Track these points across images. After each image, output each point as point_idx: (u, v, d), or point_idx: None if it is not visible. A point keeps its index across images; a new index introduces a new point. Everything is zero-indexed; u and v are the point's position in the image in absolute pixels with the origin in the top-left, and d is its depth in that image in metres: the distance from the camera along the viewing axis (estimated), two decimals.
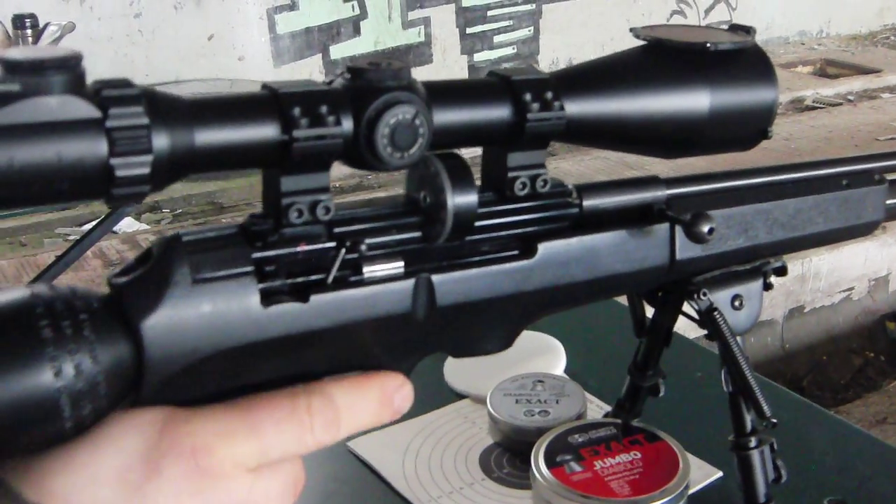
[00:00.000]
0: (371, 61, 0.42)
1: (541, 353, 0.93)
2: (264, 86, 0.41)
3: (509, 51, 5.02)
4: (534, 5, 5.03)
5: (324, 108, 0.40)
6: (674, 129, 0.51)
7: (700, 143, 0.53)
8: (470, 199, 0.46)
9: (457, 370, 0.91)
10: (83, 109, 0.35)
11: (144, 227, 3.51)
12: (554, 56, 5.14)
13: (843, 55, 5.63)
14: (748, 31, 0.55)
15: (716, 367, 0.66)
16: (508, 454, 0.81)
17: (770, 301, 3.00)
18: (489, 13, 4.90)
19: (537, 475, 0.69)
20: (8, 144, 0.33)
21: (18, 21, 2.53)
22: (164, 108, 0.37)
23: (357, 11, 4.48)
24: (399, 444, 0.81)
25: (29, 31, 2.52)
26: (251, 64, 4.21)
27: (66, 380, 0.35)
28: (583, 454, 0.72)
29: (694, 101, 0.51)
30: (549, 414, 0.81)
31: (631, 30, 0.54)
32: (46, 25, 2.54)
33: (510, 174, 0.48)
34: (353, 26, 4.49)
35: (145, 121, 0.36)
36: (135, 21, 3.96)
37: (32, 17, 2.57)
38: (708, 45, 0.51)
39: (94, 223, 3.12)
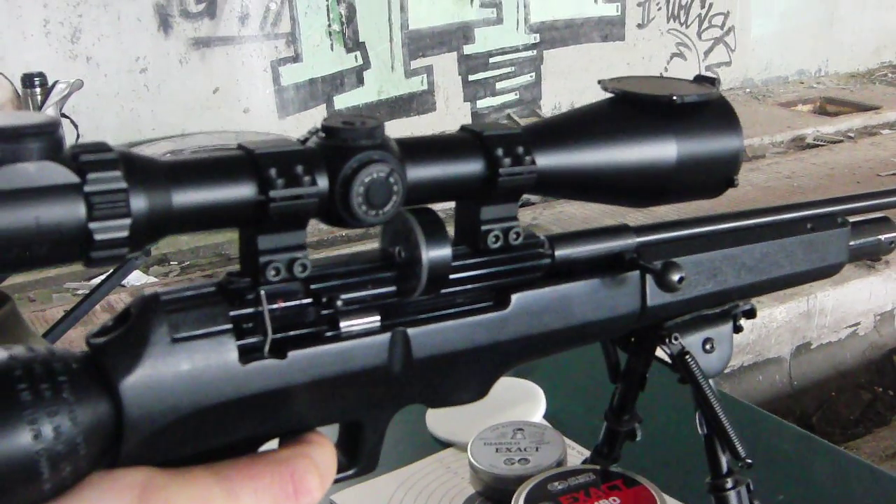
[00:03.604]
0: (345, 119, 0.42)
1: (521, 400, 0.93)
2: (240, 146, 0.41)
3: (512, 97, 5.06)
4: (535, 51, 5.09)
5: (299, 168, 0.41)
6: (642, 180, 0.52)
7: (668, 193, 0.54)
8: (444, 253, 0.46)
9: (439, 418, 0.91)
10: (61, 175, 0.35)
11: (153, 279, 3.54)
12: (556, 101, 5.18)
13: (842, 93, 5.66)
14: (713, 82, 0.56)
15: (690, 409, 0.66)
16: (490, 503, 0.81)
17: (776, 338, 2.99)
18: (491, 60, 4.95)
19: None
20: None
21: (28, 80, 2.56)
22: (141, 170, 0.37)
23: (360, 62, 4.54)
24: (382, 496, 0.81)
25: (38, 90, 2.55)
26: (256, 116, 4.26)
27: (46, 442, 0.36)
28: (562, 501, 0.72)
29: (662, 151, 0.52)
30: (529, 462, 0.81)
31: (599, 82, 0.55)
32: (55, 84, 2.58)
33: (483, 227, 0.49)
34: (357, 76, 4.55)
35: (123, 185, 0.36)
36: (140, 76, 4.02)
37: (41, 75, 2.60)
38: (674, 97, 0.52)
39: (102, 278, 3.15)
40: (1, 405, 0.35)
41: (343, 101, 4.53)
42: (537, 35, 5.08)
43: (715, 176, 0.55)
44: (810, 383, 3.07)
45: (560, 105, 5.17)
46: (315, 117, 4.44)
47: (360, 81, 4.57)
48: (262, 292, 0.42)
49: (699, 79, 0.57)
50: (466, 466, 0.83)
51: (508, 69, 5.04)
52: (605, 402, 0.74)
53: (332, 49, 4.46)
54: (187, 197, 0.39)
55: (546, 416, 0.94)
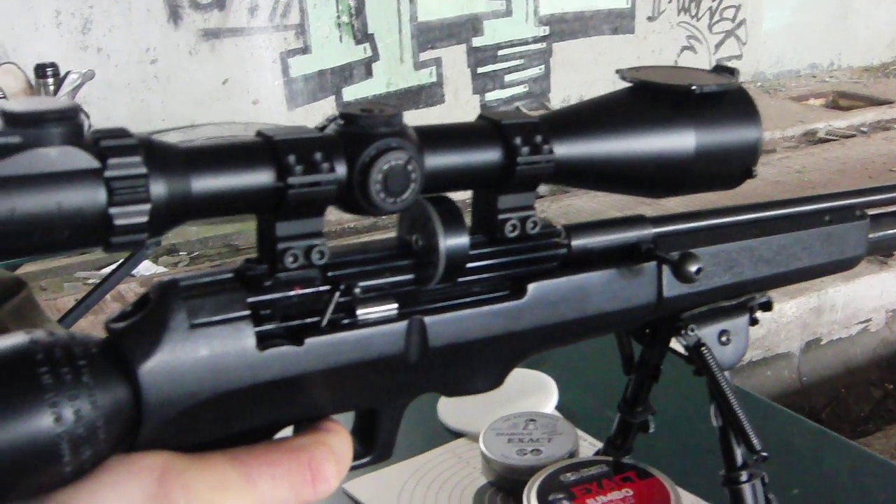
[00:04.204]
0: (363, 107, 0.42)
1: (533, 391, 0.93)
2: (259, 133, 0.41)
3: (521, 89, 5.06)
4: (544, 44, 5.08)
5: (318, 155, 0.41)
6: (660, 170, 0.52)
7: (686, 184, 0.54)
8: (461, 242, 0.46)
9: (451, 408, 0.91)
10: (82, 160, 0.35)
11: (162, 269, 3.55)
12: (565, 94, 5.17)
13: (854, 87, 5.63)
14: (732, 72, 0.56)
15: (704, 401, 0.66)
16: (502, 493, 0.81)
17: (786, 334, 2.98)
18: (500, 52, 4.95)
19: None
20: (9, 195, 0.34)
21: (40, 70, 2.58)
22: (161, 156, 0.38)
23: (369, 53, 4.54)
24: (394, 485, 0.81)
25: (50, 80, 2.57)
26: (265, 107, 4.27)
27: (67, 425, 0.36)
28: (574, 492, 0.72)
29: (680, 142, 0.52)
30: (542, 453, 0.81)
31: (617, 71, 0.55)
32: (67, 74, 2.60)
33: (500, 216, 0.49)
34: (366, 68, 4.55)
35: (143, 170, 0.36)
36: (151, 67, 4.02)
37: (53, 66, 2.62)
38: (693, 87, 0.52)
39: (112, 267, 3.16)
40: (23, 388, 0.36)
41: (352, 92, 4.53)
42: (546, 27, 5.07)
43: (733, 167, 0.55)
44: (820, 379, 3.07)
45: (569, 98, 5.15)
46: (324, 109, 4.44)
47: (369, 73, 4.56)
48: (281, 278, 0.43)
49: (718, 69, 0.57)
50: (478, 456, 0.83)
51: (517, 62, 5.03)
52: (617, 394, 0.74)
53: (340, 41, 4.46)
54: (206, 183, 0.39)
55: (558, 408, 0.94)
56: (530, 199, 0.49)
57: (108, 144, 0.36)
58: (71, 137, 0.35)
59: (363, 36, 4.51)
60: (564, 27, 5.13)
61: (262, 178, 0.40)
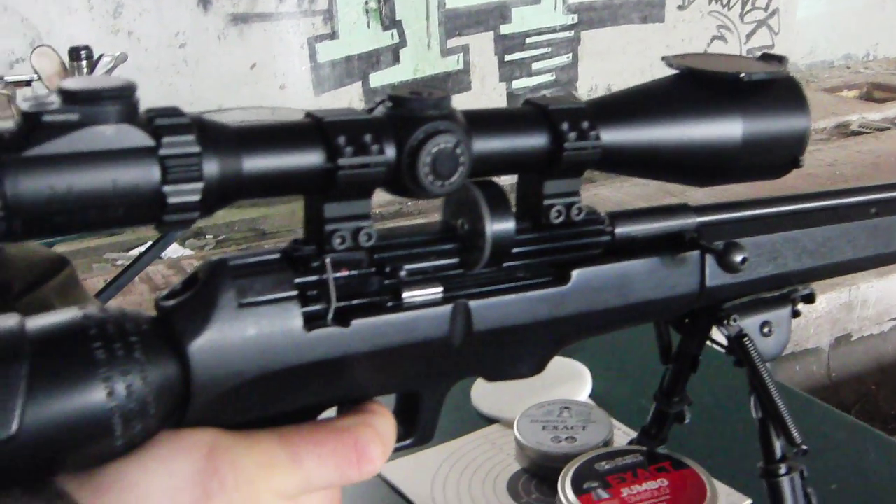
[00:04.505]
0: (412, 90, 0.43)
1: (567, 379, 0.93)
2: (308, 114, 0.42)
3: (548, 78, 5.03)
4: (572, 32, 5.04)
5: (368, 137, 0.41)
6: (707, 158, 0.52)
7: (732, 172, 0.53)
8: (508, 226, 0.46)
9: (484, 394, 0.91)
10: (138, 138, 0.36)
11: (189, 252, 3.57)
12: (593, 83, 5.14)
13: (890, 79, 5.55)
14: (781, 60, 0.55)
15: (740, 392, 0.65)
16: (536, 480, 0.81)
17: (815, 329, 2.95)
18: (528, 40, 4.92)
19: (565, 502, 0.69)
20: (67, 172, 0.34)
21: (74, 53, 2.60)
22: (213, 135, 0.38)
23: (396, 40, 4.53)
24: (428, 469, 0.81)
25: (84, 63, 2.59)
26: (292, 92, 4.27)
27: (119, 400, 0.37)
28: (609, 481, 0.71)
29: (727, 129, 0.51)
30: (576, 440, 0.81)
31: (663, 58, 0.55)
32: (101, 57, 2.62)
33: (546, 202, 0.48)
34: (393, 54, 4.54)
35: (196, 149, 0.37)
36: (180, 51, 4.04)
37: (87, 49, 2.64)
38: (742, 74, 0.51)
39: (140, 249, 3.19)
40: (77, 362, 0.36)
41: (379, 78, 4.52)
42: (575, 15, 5.03)
43: (780, 156, 0.54)
44: (849, 376, 3.04)
45: (596, 87, 5.12)
46: (351, 94, 4.44)
47: (396, 59, 4.56)
48: (328, 260, 0.43)
49: (766, 56, 0.56)
50: (512, 443, 0.83)
51: (545, 50, 5.00)
52: (650, 383, 0.74)
53: (368, 27, 4.46)
54: (257, 163, 0.39)
55: (591, 396, 0.94)
56: (576, 185, 0.49)
57: (163, 123, 0.36)
58: (126, 115, 0.36)
59: (391, 22, 4.50)
60: (593, 15, 5.09)
61: (312, 158, 0.40)
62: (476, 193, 0.46)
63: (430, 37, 4.62)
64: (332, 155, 0.40)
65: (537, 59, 4.98)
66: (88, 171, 0.35)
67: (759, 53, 0.57)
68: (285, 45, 4.27)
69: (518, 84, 4.94)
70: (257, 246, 3.58)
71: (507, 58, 4.88)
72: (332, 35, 4.37)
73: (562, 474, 0.72)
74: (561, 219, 0.49)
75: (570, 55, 5.08)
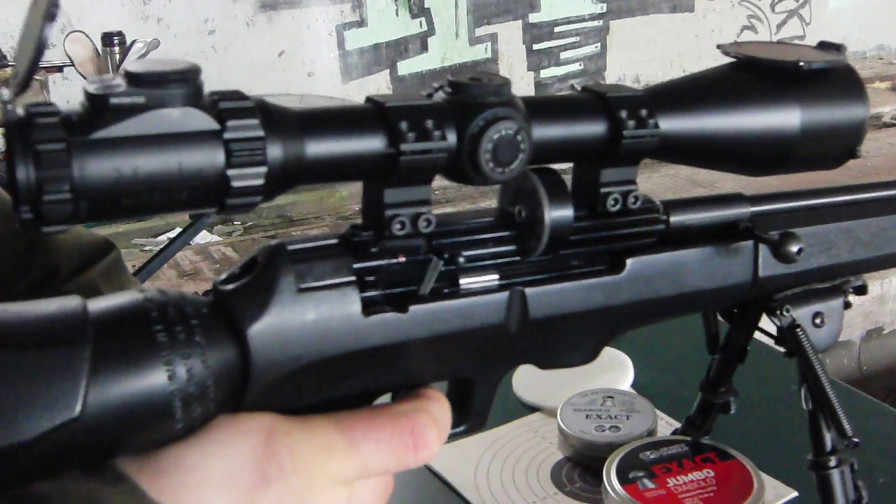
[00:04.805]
0: (472, 76, 0.42)
1: (609, 368, 0.93)
2: (369, 99, 0.41)
3: (576, 67, 5.00)
4: (601, 21, 5.01)
5: (429, 123, 0.41)
6: (764, 147, 0.51)
7: (789, 162, 0.53)
8: (566, 214, 0.46)
9: (526, 382, 0.91)
10: (203, 121, 0.36)
11: (217, 238, 3.59)
12: (621, 72, 5.11)
13: None
14: (839, 48, 0.55)
15: (785, 383, 0.65)
16: (579, 469, 0.81)
17: (846, 321, 2.92)
18: (556, 29, 4.89)
19: (610, 491, 0.69)
20: (133, 155, 0.35)
21: (107, 39, 2.62)
22: (277, 119, 0.38)
23: (425, 28, 4.52)
24: (471, 457, 0.81)
25: (116, 49, 2.61)
26: (320, 79, 4.28)
27: (179, 383, 0.37)
28: (655, 471, 0.71)
29: (785, 119, 0.51)
30: (620, 430, 0.80)
31: (719, 47, 0.54)
32: (133, 43, 2.63)
33: (602, 190, 0.48)
34: (421, 42, 4.53)
35: (261, 133, 0.37)
36: (208, 38, 4.05)
37: (120, 34, 2.66)
38: (801, 63, 0.51)
39: (168, 234, 3.21)
40: (139, 345, 0.36)
41: (407, 66, 4.52)
42: (604, 5, 5.00)
43: (838, 146, 0.54)
44: (881, 369, 3.01)
45: (625, 77, 5.09)
46: (378, 82, 4.44)
47: (424, 48, 4.55)
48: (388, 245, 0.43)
49: (823, 45, 0.56)
50: (554, 431, 0.83)
51: (573, 39, 4.97)
52: (693, 374, 0.73)
53: (396, 14, 4.45)
54: (320, 147, 0.39)
55: (633, 386, 0.93)
56: (632, 173, 0.49)
57: (227, 106, 0.36)
58: (191, 98, 0.36)
59: (419, 10, 4.49)
60: (622, 4, 5.06)
61: (374, 143, 0.40)
62: (535, 180, 0.46)
63: (459, 25, 4.60)
64: (394, 140, 0.40)
65: (566, 48, 4.95)
66: (154, 154, 0.35)
67: (818, 42, 0.56)
68: (313, 33, 4.27)
69: (546, 73, 4.92)
70: (285, 233, 3.59)
71: (536, 47, 4.85)
72: (361, 22, 4.37)
73: (607, 464, 0.72)
74: (617, 207, 0.49)
75: (599, 44, 5.05)
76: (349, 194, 3.77)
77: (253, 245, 3.55)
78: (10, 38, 3.43)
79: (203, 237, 3.44)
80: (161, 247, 2.47)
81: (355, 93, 4.31)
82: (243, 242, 3.58)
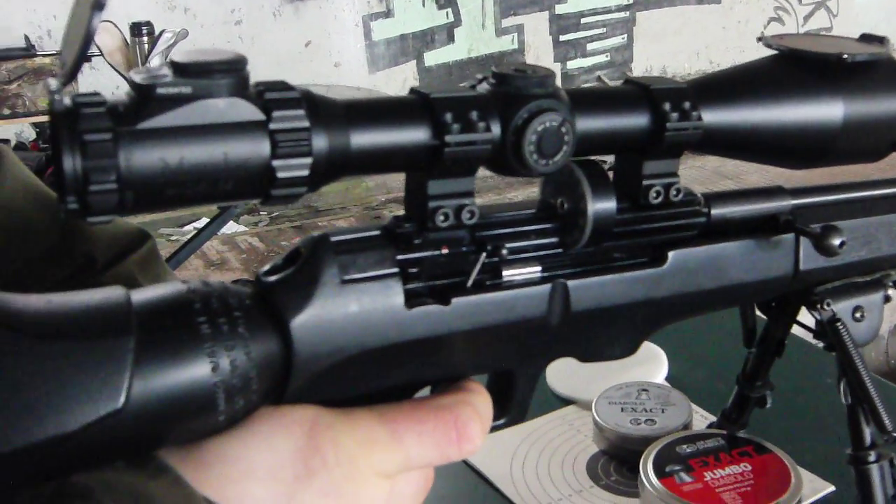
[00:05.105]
0: (517, 67, 0.42)
1: (643, 361, 0.93)
2: (413, 90, 0.41)
3: (603, 58, 4.98)
4: (627, 13, 4.98)
5: (474, 114, 0.40)
6: (806, 140, 0.51)
7: (830, 154, 0.52)
8: (609, 206, 0.46)
9: (560, 375, 0.91)
10: (249, 112, 0.36)
11: (243, 228, 3.61)
12: (648, 64, 5.08)
13: None
14: (882, 41, 0.54)
15: (821, 377, 0.65)
16: (615, 462, 0.81)
17: None
18: (583, 21, 4.87)
19: (647, 485, 0.69)
20: (179, 145, 0.34)
21: (136, 29, 2.63)
22: (322, 110, 0.38)
23: (451, 19, 4.51)
24: (506, 449, 0.81)
25: (145, 39, 2.62)
26: (347, 70, 4.28)
27: (223, 375, 0.36)
28: (692, 465, 0.71)
29: (828, 112, 0.51)
30: (656, 423, 0.80)
31: (759, 39, 0.54)
32: (162, 33, 2.64)
33: (645, 182, 0.48)
34: (447, 33, 4.52)
35: (306, 123, 0.37)
36: (235, 28, 4.06)
37: (149, 24, 2.67)
38: (844, 56, 0.50)
39: (195, 224, 3.22)
40: (183, 337, 0.36)
41: (433, 57, 4.51)
42: None
43: (881, 139, 0.54)
44: None
45: (651, 68, 5.06)
46: (405, 73, 4.44)
47: (451, 39, 4.54)
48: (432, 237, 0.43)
49: (866, 37, 0.55)
50: (589, 424, 0.83)
51: (600, 30, 4.95)
52: (727, 367, 0.73)
53: (423, 5, 4.44)
54: (365, 138, 0.39)
55: (667, 379, 0.93)
56: (675, 165, 0.49)
57: (273, 97, 0.36)
58: (237, 89, 0.35)
59: (446, 1, 4.48)
60: None
61: (419, 135, 0.40)
62: (578, 172, 0.46)
63: (485, 16, 4.59)
64: (438, 132, 0.40)
65: (592, 39, 4.93)
66: (200, 145, 0.35)
67: (860, 34, 0.56)
68: (340, 23, 4.27)
69: (572, 64, 4.90)
70: (311, 224, 3.60)
71: (562, 38, 4.83)
72: (387, 13, 4.36)
73: (643, 457, 0.71)
74: (660, 199, 0.49)
75: (626, 36, 5.02)
76: (375, 184, 3.78)
77: (279, 235, 3.57)
78: (37, 27, 3.46)
79: (229, 227, 3.45)
80: (188, 237, 2.49)
81: (382, 83, 4.31)
82: (269, 232, 3.60)
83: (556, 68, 4.84)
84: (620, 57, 5.04)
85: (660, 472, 0.70)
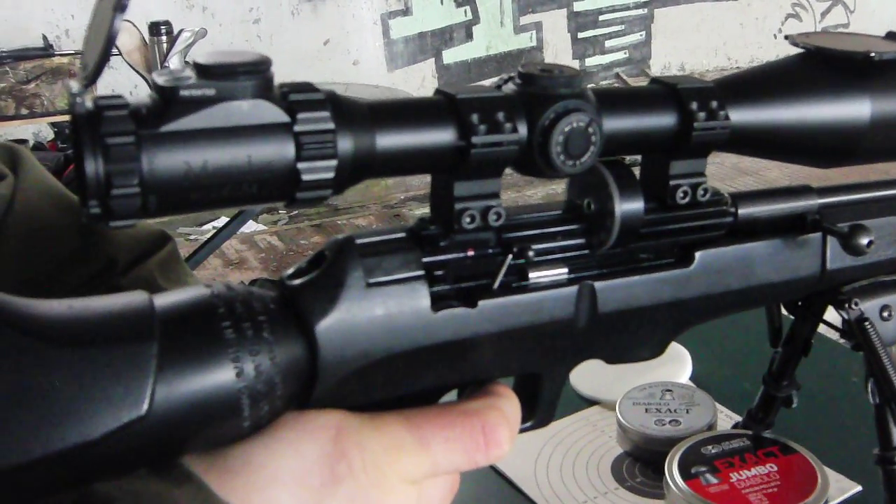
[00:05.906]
0: (543, 67, 0.42)
1: (667, 361, 0.92)
2: (439, 91, 0.41)
3: (621, 55, 4.97)
4: (646, 10, 4.97)
5: (500, 115, 0.40)
6: (833, 139, 0.51)
7: (858, 153, 0.52)
8: (637, 207, 0.46)
9: (584, 375, 0.90)
10: (273, 114, 0.35)
11: (262, 227, 3.62)
12: (666, 61, 5.06)
13: None
14: None
15: (846, 376, 0.64)
16: (640, 463, 0.80)
17: None
18: (601, 18, 4.86)
19: (673, 486, 0.68)
20: (203, 148, 0.34)
21: (154, 28, 2.64)
22: (347, 112, 0.37)
23: (469, 16, 4.51)
24: (530, 450, 0.81)
25: (164, 38, 2.63)
26: (365, 68, 4.29)
27: (248, 380, 0.36)
28: (718, 466, 0.70)
29: (855, 110, 0.50)
30: (680, 424, 0.79)
31: (786, 37, 0.54)
32: (180, 32, 2.65)
33: (672, 182, 0.48)
34: (466, 31, 4.52)
35: (331, 125, 0.36)
36: (253, 27, 4.08)
37: (167, 24, 2.68)
38: (872, 54, 0.50)
39: (214, 223, 3.24)
40: (206, 342, 0.36)
41: (452, 55, 4.51)
42: None
43: None
44: None
45: (669, 66, 5.04)
46: (423, 71, 4.44)
47: (469, 36, 4.54)
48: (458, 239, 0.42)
49: (892, 35, 0.55)
50: (613, 425, 0.82)
51: (618, 27, 4.93)
52: (751, 366, 0.72)
53: (442, 3, 4.44)
54: (390, 140, 0.39)
55: (691, 379, 0.92)
56: (702, 165, 0.48)
57: (297, 98, 0.36)
58: (261, 91, 0.35)
59: None
60: None
61: (445, 136, 0.40)
62: (605, 173, 0.46)
63: (503, 13, 4.59)
64: (464, 133, 0.39)
65: (610, 36, 4.91)
66: (224, 147, 0.34)
67: (886, 32, 0.55)
68: (358, 21, 4.28)
69: (591, 62, 4.88)
70: (330, 222, 3.60)
71: (580, 35, 4.82)
72: (406, 11, 4.37)
73: (668, 458, 0.71)
74: (687, 199, 0.48)
75: (644, 33, 5.01)
76: (394, 183, 3.78)
77: (298, 234, 3.57)
78: (55, 27, 3.48)
79: (248, 226, 3.47)
80: (207, 236, 2.50)
81: (400, 81, 4.32)
82: (288, 231, 3.61)
83: (575, 65, 4.83)
84: (639, 54, 5.02)
85: (685, 474, 0.69)
